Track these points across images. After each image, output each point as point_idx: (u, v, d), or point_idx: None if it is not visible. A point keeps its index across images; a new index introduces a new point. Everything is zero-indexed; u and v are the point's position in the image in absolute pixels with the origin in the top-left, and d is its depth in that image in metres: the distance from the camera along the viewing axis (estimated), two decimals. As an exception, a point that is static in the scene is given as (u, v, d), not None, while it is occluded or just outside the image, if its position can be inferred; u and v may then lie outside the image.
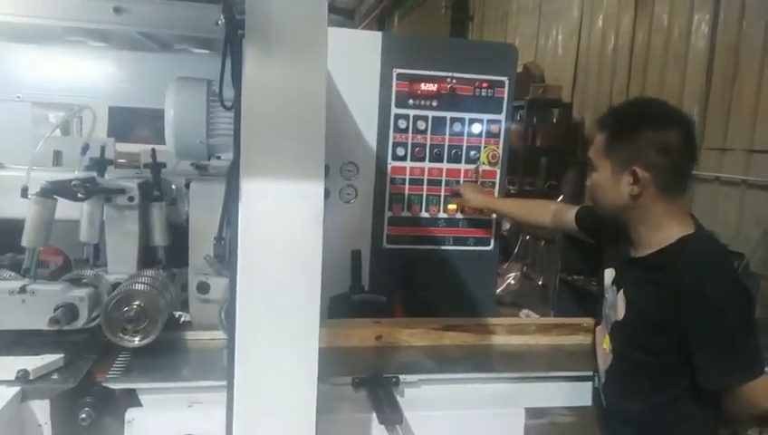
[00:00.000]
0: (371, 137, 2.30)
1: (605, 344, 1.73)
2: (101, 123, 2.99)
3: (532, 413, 1.80)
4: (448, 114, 2.32)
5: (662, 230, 1.56)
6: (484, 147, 2.36)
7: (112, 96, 2.81)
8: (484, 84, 2.32)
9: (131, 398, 1.62)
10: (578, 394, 1.89)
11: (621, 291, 1.66)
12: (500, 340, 2.08)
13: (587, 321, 2.16)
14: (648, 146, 1.52)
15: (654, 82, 5.30)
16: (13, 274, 1.78)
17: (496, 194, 2.41)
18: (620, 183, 1.55)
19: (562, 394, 1.89)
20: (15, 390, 1.53)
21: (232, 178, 1.85)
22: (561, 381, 1.88)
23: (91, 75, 2.79)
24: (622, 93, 5.72)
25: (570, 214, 2.06)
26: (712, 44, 4.69)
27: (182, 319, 2.04)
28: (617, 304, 1.66)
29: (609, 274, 1.75)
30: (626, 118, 1.61)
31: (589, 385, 1.85)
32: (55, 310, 1.65)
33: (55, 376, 1.61)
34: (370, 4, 13.29)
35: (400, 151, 2.31)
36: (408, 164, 2.33)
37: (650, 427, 1.62)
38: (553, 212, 2.16)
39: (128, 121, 3.66)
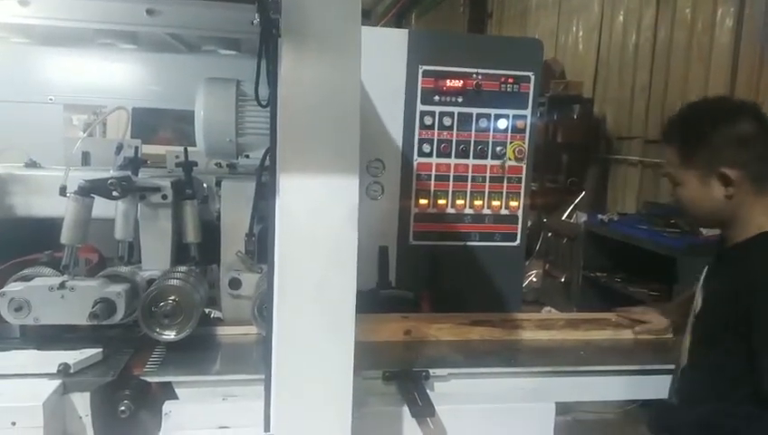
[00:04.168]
0: (397, 134, 2.31)
1: (687, 341, 1.69)
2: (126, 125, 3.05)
3: (559, 409, 1.81)
4: (474, 110, 2.33)
5: (751, 224, 1.51)
6: (510, 142, 2.37)
7: (141, 97, 2.87)
8: (510, 80, 2.33)
9: (167, 391, 1.66)
10: (608, 389, 1.89)
11: (702, 285, 1.64)
12: (528, 335, 2.08)
13: (615, 316, 2.17)
14: (725, 144, 1.48)
15: (677, 78, 5.24)
16: (52, 270, 1.83)
17: (522, 190, 2.40)
18: (711, 188, 1.51)
19: (593, 389, 1.89)
20: (57, 383, 1.58)
21: (262, 175, 1.90)
22: (592, 375, 1.87)
23: (121, 77, 2.86)
24: (645, 89, 5.66)
25: None
26: (737, 38, 4.62)
27: (212, 315, 2.07)
28: (698, 300, 1.64)
29: (705, 272, 1.70)
30: (693, 123, 1.56)
31: (618, 380, 1.88)
32: (94, 305, 1.69)
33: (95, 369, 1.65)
34: (387, 3, 13.29)
35: (426, 148, 2.33)
36: (434, 160, 2.34)
37: (715, 429, 1.50)
38: None
39: (150, 123, 3.72)
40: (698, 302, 1.63)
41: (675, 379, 1.74)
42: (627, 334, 2.11)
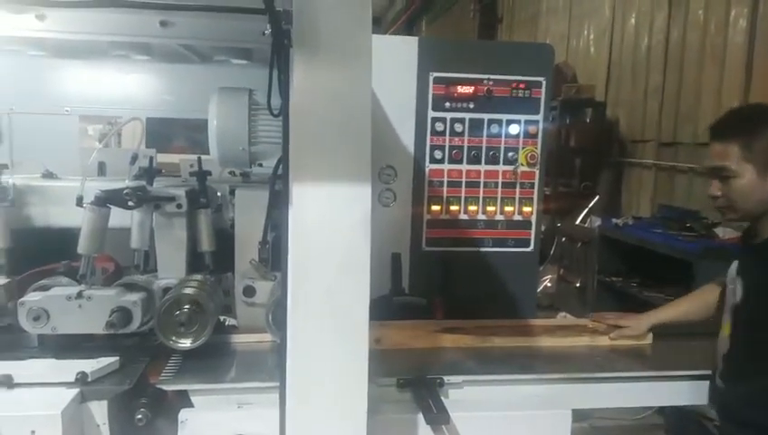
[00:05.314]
0: (409, 140, 2.31)
1: (726, 330, 1.81)
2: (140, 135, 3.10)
3: (575, 415, 1.79)
4: (485, 116, 2.32)
5: None
6: (523, 148, 2.35)
7: (155, 107, 2.91)
8: (521, 85, 2.32)
9: (183, 399, 1.67)
10: (624, 395, 1.88)
11: (740, 277, 1.78)
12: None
13: (591, 322, 2.16)
14: None
15: (691, 80, 5.19)
16: (69, 280, 1.86)
17: (535, 195, 2.39)
18: (767, 182, 1.66)
19: (609, 396, 1.87)
20: (75, 391, 1.60)
21: (275, 183, 1.91)
22: (608, 382, 1.86)
23: (135, 88, 2.91)
24: (658, 91, 5.62)
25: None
26: (751, 38, 4.58)
27: (227, 323, 2.08)
28: (737, 290, 1.78)
29: (734, 266, 1.84)
30: (756, 121, 1.71)
31: (635, 386, 1.87)
32: (111, 314, 1.71)
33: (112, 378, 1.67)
34: (397, 10, 13.35)
35: (438, 154, 2.32)
36: (446, 167, 2.33)
37: (761, 404, 1.66)
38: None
39: (163, 132, 3.77)
40: (738, 292, 1.77)
41: (715, 368, 1.83)
42: (604, 341, 2.09)
